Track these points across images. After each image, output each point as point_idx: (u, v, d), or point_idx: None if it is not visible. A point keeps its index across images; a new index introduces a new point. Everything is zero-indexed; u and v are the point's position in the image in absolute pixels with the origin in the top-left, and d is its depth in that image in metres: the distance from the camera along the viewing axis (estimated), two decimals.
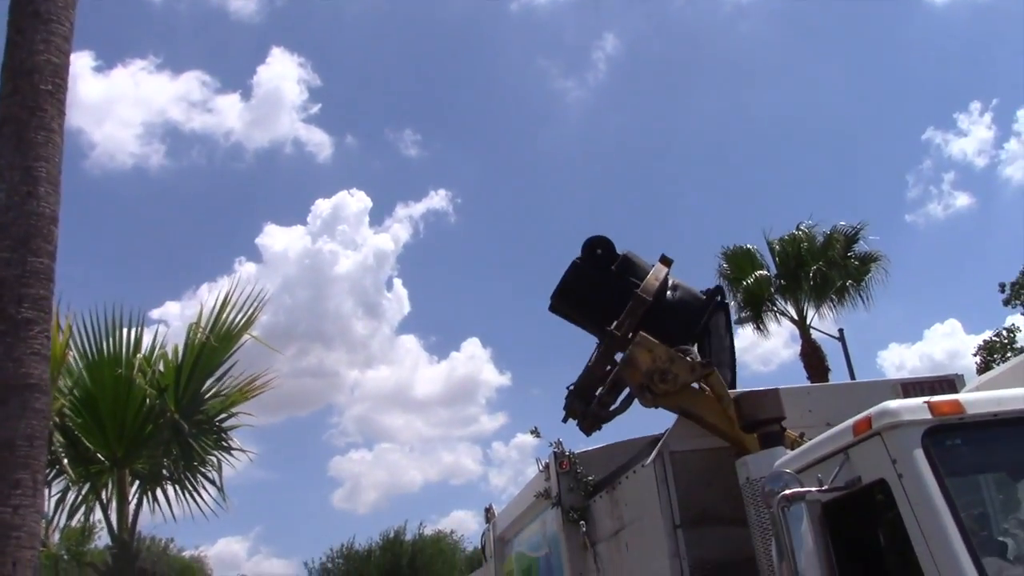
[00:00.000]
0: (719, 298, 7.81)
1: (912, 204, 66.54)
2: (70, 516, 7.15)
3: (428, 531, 47.44)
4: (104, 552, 6.75)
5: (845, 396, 6.66)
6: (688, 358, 6.70)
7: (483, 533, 12.31)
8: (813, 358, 24.12)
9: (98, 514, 7.30)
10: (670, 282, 7.47)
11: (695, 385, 6.74)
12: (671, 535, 6.58)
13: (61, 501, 7.35)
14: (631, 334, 6.99)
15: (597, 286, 7.55)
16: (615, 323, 7.14)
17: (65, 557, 36.57)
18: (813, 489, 4.31)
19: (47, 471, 6.08)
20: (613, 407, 7.22)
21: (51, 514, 7.12)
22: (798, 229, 24.91)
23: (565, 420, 7.63)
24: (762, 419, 6.03)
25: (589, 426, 7.44)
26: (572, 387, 7.55)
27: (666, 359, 6.66)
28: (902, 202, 65.87)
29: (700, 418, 6.61)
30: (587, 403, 7.31)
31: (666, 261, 7.56)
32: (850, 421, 4.49)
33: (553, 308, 7.80)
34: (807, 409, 6.58)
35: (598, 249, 7.55)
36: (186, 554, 47.45)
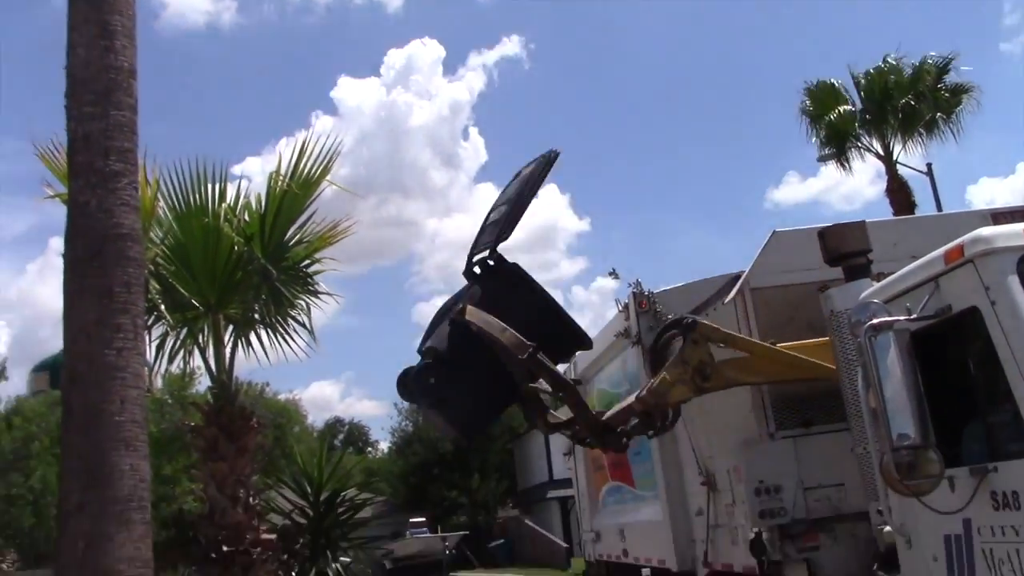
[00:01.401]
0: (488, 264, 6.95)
1: (1008, 32, 63.05)
2: (170, 360, 7.48)
3: None
4: (205, 394, 7.10)
5: (933, 228, 6.47)
6: (684, 336, 6.33)
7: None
8: (899, 195, 23.43)
9: (197, 360, 7.61)
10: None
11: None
12: None
13: (161, 346, 7.68)
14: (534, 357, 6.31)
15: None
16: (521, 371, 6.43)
17: (169, 401, 38.58)
18: (902, 318, 4.25)
19: (146, 317, 6.32)
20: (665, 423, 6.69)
21: (153, 359, 7.45)
22: (885, 62, 23.81)
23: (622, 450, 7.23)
24: (847, 252, 5.92)
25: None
26: (585, 438, 7.08)
27: (680, 362, 6.20)
28: (997, 30, 62.40)
29: (748, 381, 6.46)
30: (616, 432, 6.70)
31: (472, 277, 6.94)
32: (941, 249, 4.39)
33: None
34: (892, 243, 6.43)
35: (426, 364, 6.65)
36: (281, 397, 49.65)
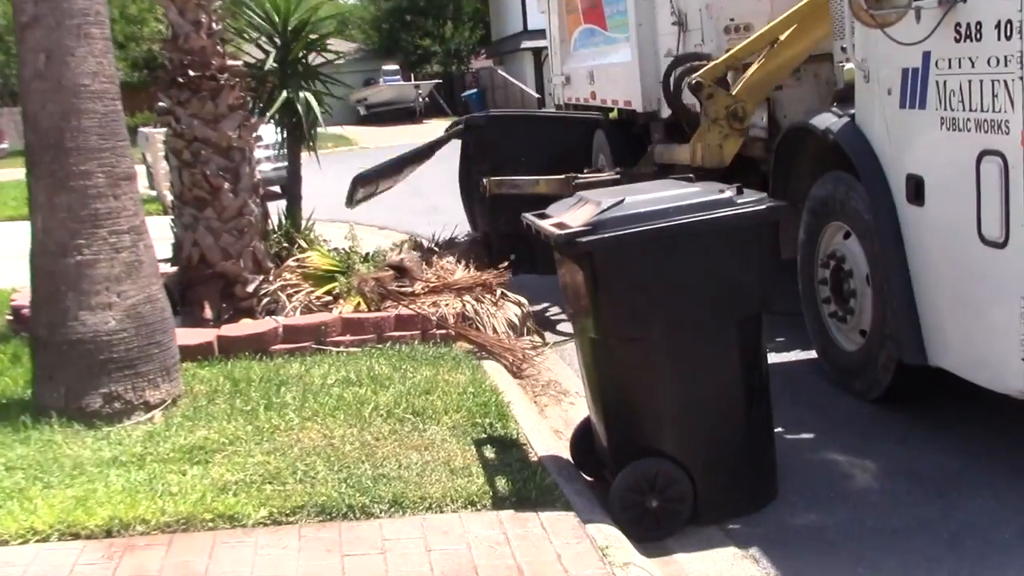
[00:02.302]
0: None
1: None
2: None
3: None
4: None
5: None
6: (697, 98, 6.15)
7: None
8: None
9: None
10: None
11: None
12: None
13: None
14: None
15: None
16: None
17: None
18: None
19: None
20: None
21: None
22: None
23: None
24: None
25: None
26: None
27: (711, 124, 6.05)
28: None
29: (780, 77, 6.15)
30: None
31: None
32: None
33: None
34: None
35: None
36: None
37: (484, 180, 6.91)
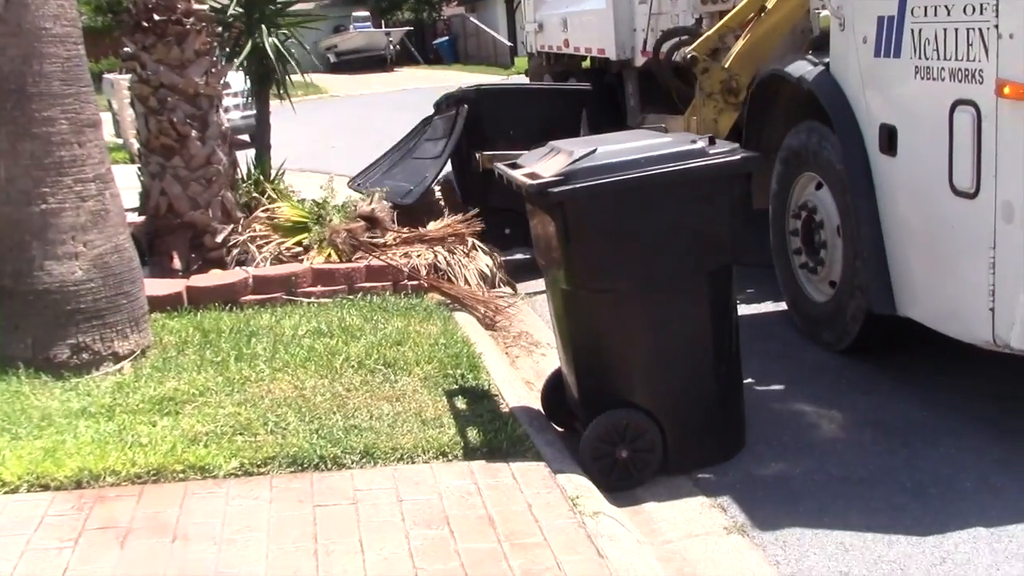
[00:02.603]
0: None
1: None
2: None
3: None
4: None
5: None
6: (693, 72, 6.03)
7: None
8: None
9: None
10: None
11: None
12: None
13: None
14: None
15: None
16: None
17: None
18: None
19: None
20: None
21: None
22: None
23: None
24: None
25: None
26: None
27: (706, 98, 5.94)
28: None
29: (770, 48, 5.89)
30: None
31: None
32: None
33: None
34: None
35: None
36: None
37: (477, 155, 6.86)
